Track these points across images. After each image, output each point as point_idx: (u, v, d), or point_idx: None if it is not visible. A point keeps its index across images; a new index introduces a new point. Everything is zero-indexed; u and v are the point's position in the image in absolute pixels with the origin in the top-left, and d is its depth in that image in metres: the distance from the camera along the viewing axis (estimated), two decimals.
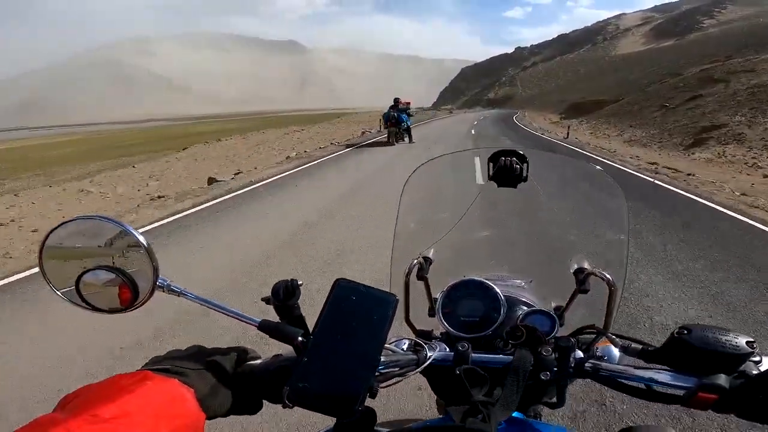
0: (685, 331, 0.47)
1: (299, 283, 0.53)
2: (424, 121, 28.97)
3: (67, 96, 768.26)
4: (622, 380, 0.50)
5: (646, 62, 68.32)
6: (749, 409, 0.42)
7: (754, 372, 0.44)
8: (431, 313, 0.72)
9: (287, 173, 9.05)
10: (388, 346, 0.51)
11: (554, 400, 0.57)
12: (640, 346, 0.53)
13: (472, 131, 20.50)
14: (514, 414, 0.58)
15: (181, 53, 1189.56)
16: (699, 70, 27.74)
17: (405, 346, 0.56)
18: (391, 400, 1.97)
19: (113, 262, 0.49)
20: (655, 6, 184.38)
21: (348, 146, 13.98)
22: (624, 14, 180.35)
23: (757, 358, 0.46)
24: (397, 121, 13.69)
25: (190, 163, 15.93)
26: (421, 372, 0.52)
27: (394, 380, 0.50)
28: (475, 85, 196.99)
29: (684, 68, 34.01)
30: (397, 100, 14.19)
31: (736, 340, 0.45)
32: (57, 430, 0.30)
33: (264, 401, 0.48)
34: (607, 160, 10.39)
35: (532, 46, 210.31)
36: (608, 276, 0.64)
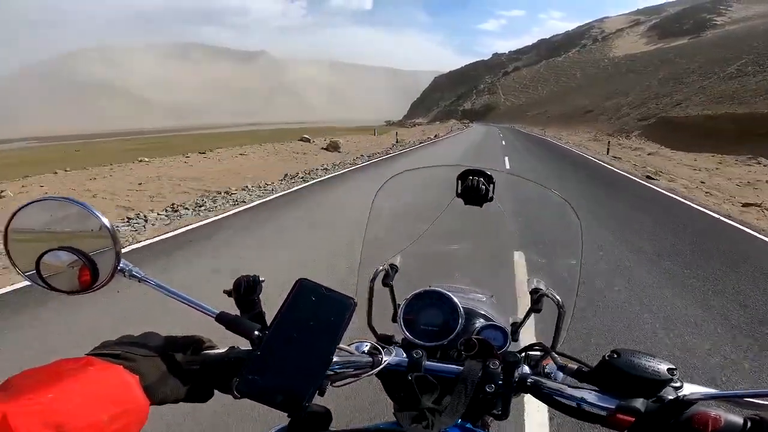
0: (615, 355, 0.48)
1: (261, 279, 0.53)
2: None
3: (10, 107, 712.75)
4: (558, 398, 0.51)
5: (675, 61, 49.19)
6: None
7: (670, 397, 0.45)
8: (395, 319, 0.73)
9: None
10: (345, 347, 0.52)
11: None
12: (576, 366, 0.54)
13: None
14: (465, 423, 0.59)
15: (147, 64, 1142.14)
16: None
17: (366, 349, 0.57)
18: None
19: (76, 244, 0.48)
20: (638, 9, 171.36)
21: None
22: (608, 18, 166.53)
23: (677, 384, 0.46)
24: None
25: None
26: (376, 375, 0.54)
27: (348, 380, 0.51)
28: (450, 95, 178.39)
29: None
30: None
31: (658, 366, 0.46)
32: None
33: (216, 391, 0.48)
34: None
35: (510, 52, 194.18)
36: (558, 298, 0.70)
